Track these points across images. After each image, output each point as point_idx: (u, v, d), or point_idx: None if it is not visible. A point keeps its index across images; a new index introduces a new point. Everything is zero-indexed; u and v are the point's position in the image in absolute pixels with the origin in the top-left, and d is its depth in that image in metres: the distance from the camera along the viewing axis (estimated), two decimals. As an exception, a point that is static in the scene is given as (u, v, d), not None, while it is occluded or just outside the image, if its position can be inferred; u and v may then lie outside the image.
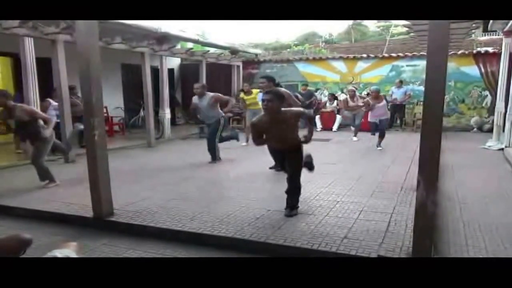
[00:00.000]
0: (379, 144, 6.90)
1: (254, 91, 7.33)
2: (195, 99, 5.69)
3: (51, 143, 4.45)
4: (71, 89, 6.56)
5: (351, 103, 7.87)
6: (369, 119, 7.04)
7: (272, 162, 4.56)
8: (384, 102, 6.91)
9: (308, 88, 10.30)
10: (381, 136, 6.88)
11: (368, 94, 9.18)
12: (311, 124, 3.48)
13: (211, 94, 5.62)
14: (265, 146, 3.51)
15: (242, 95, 7.44)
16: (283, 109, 3.24)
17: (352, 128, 8.25)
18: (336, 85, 10.75)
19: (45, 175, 4.37)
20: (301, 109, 3.47)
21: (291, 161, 3.33)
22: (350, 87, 8.58)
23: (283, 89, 5.29)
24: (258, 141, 3.37)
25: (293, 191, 3.32)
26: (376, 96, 6.87)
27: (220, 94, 5.72)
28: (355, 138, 7.91)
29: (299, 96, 9.62)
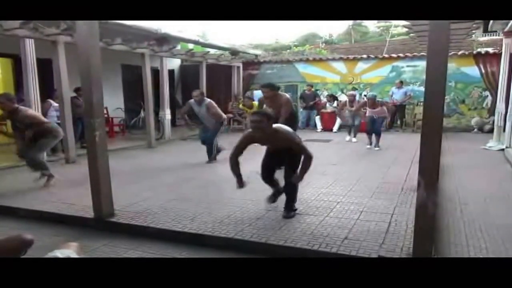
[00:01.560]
0: (377, 144, 6.88)
1: (254, 103, 7.98)
2: (193, 103, 5.71)
3: (57, 139, 4.54)
4: (78, 90, 6.58)
5: (348, 108, 7.83)
6: (366, 113, 7.05)
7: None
8: (379, 109, 6.85)
9: (312, 89, 10.33)
10: (378, 135, 6.86)
11: (366, 96, 9.18)
12: (306, 164, 3.08)
13: (207, 101, 5.65)
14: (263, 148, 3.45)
15: (242, 107, 8.42)
16: (279, 129, 3.12)
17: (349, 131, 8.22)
18: (336, 86, 10.75)
19: (38, 167, 4.35)
20: (301, 144, 3.16)
21: (290, 159, 3.26)
22: (351, 92, 8.46)
23: (285, 96, 5.15)
24: (234, 160, 3.16)
25: (292, 188, 3.29)
26: (372, 103, 6.85)
27: (214, 105, 5.68)
28: (354, 139, 7.87)
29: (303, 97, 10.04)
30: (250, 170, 3.51)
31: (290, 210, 3.29)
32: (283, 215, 3.25)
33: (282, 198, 3.39)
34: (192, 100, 5.74)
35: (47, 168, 4.42)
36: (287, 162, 3.29)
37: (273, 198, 3.47)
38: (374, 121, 6.88)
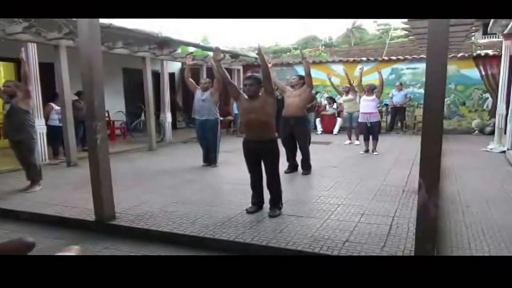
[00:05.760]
0: (374, 149, 6.73)
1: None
2: (197, 90, 5.70)
3: (36, 140, 4.57)
4: (80, 94, 6.63)
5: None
6: (359, 120, 6.97)
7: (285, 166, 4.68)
8: (374, 97, 6.71)
9: None
10: (375, 139, 6.74)
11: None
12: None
13: (211, 88, 5.61)
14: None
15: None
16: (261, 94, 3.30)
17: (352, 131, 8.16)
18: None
19: (34, 175, 4.38)
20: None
21: (267, 155, 3.35)
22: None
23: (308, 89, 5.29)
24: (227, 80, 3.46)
25: (273, 184, 3.37)
26: (369, 90, 6.79)
27: (217, 93, 5.67)
28: (357, 142, 7.83)
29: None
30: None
31: (276, 208, 3.36)
32: (269, 214, 3.32)
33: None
34: (198, 88, 5.75)
35: (40, 175, 4.43)
36: (264, 156, 3.36)
37: (255, 208, 3.46)
38: (367, 126, 6.77)
